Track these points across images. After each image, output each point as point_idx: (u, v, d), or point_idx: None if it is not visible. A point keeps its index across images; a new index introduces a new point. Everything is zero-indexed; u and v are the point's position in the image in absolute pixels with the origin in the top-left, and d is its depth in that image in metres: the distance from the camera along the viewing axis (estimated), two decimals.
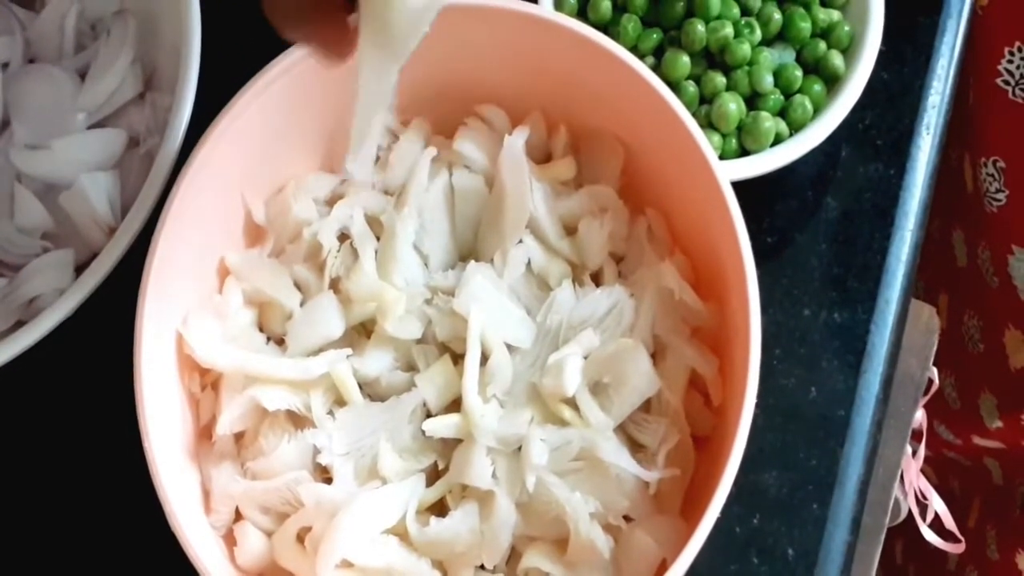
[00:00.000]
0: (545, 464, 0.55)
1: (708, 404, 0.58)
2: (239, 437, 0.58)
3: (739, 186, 0.56)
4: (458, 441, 0.57)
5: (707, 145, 0.55)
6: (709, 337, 0.59)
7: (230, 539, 0.57)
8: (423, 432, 0.56)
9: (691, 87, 0.63)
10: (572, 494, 0.55)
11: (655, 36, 0.64)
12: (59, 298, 0.59)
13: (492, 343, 0.57)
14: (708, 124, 0.63)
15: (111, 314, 0.57)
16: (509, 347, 0.58)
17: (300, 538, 0.56)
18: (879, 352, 0.65)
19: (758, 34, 0.64)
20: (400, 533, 0.55)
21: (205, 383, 0.59)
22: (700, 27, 0.63)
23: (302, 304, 0.59)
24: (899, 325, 0.66)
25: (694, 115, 0.63)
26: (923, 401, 0.84)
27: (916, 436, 0.90)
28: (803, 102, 0.63)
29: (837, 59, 0.64)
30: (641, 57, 0.64)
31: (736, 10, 0.64)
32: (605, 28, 0.65)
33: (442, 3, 0.46)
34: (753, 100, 0.64)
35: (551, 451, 0.55)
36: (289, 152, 0.61)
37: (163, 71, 0.67)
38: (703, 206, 0.56)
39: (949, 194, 0.90)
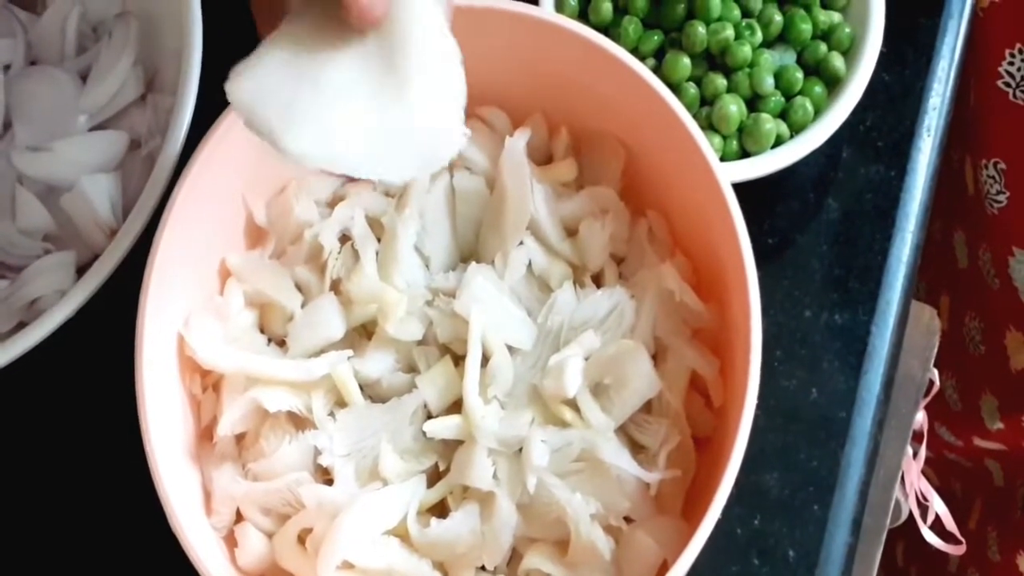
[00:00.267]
0: (546, 465, 0.55)
1: (709, 405, 0.58)
2: (240, 438, 0.59)
3: (740, 187, 0.57)
4: (459, 442, 0.57)
5: (708, 147, 0.55)
6: (710, 338, 0.59)
7: (231, 540, 0.57)
8: (424, 433, 0.57)
9: (692, 89, 0.63)
10: (573, 495, 0.55)
11: (656, 38, 0.64)
12: (60, 300, 0.59)
13: (493, 344, 0.57)
14: (709, 126, 0.63)
15: (112, 315, 0.57)
16: (510, 348, 0.58)
17: (301, 539, 0.56)
18: (880, 353, 0.65)
19: (759, 36, 0.64)
20: (401, 534, 0.56)
21: (206, 384, 0.59)
22: (701, 29, 0.63)
23: (303, 306, 0.59)
24: (900, 326, 0.66)
25: (695, 117, 0.63)
26: (924, 402, 0.84)
27: (917, 437, 0.90)
28: (804, 104, 0.63)
29: (838, 61, 0.64)
30: (642, 59, 0.64)
31: (737, 12, 0.64)
32: (606, 30, 0.65)
33: None
34: (754, 102, 0.64)
35: (552, 452, 0.55)
36: None
37: (165, 73, 0.67)
38: (704, 208, 0.56)
39: (950, 196, 0.90)
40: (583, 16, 0.66)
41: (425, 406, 0.58)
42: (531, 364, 0.58)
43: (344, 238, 0.60)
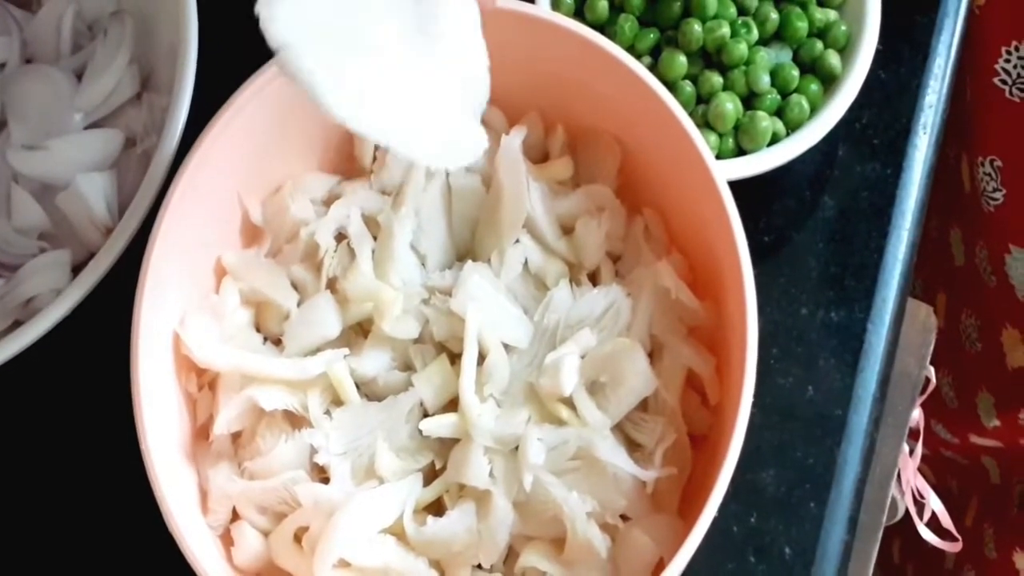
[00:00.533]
0: (542, 463, 0.55)
1: (705, 403, 0.58)
2: (236, 437, 0.59)
3: (736, 185, 0.57)
4: (455, 441, 0.57)
5: (704, 145, 0.55)
6: (706, 336, 0.59)
7: (227, 539, 0.57)
8: (420, 432, 0.57)
9: (688, 87, 0.63)
10: (569, 493, 0.55)
11: (652, 36, 0.64)
12: (56, 298, 0.59)
13: (489, 343, 0.57)
14: (705, 124, 0.63)
15: (108, 314, 0.57)
16: (506, 347, 0.58)
17: (298, 538, 0.56)
18: (876, 351, 0.65)
19: (755, 34, 0.64)
20: (397, 533, 0.56)
21: (202, 383, 0.59)
22: (697, 27, 0.63)
23: (299, 304, 0.59)
24: (896, 324, 0.66)
25: (691, 115, 0.63)
26: (920, 400, 0.84)
27: (913, 435, 0.90)
28: (800, 102, 0.63)
29: (834, 59, 0.64)
30: (638, 57, 0.64)
31: (733, 10, 0.64)
32: (602, 28, 0.65)
33: None
34: (750, 100, 0.64)
35: (548, 450, 0.56)
36: (286, 152, 0.61)
37: (160, 71, 0.67)
38: (700, 205, 0.56)
39: (947, 193, 0.90)
40: (579, 14, 0.66)
41: (421, 404, 0.58)
42: (527, 362, 0.58)
43: (340, 236, 0.60)
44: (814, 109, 0.63)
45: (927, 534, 0.91)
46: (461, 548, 0.55)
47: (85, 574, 0.65)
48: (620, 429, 0.58)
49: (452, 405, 0.57)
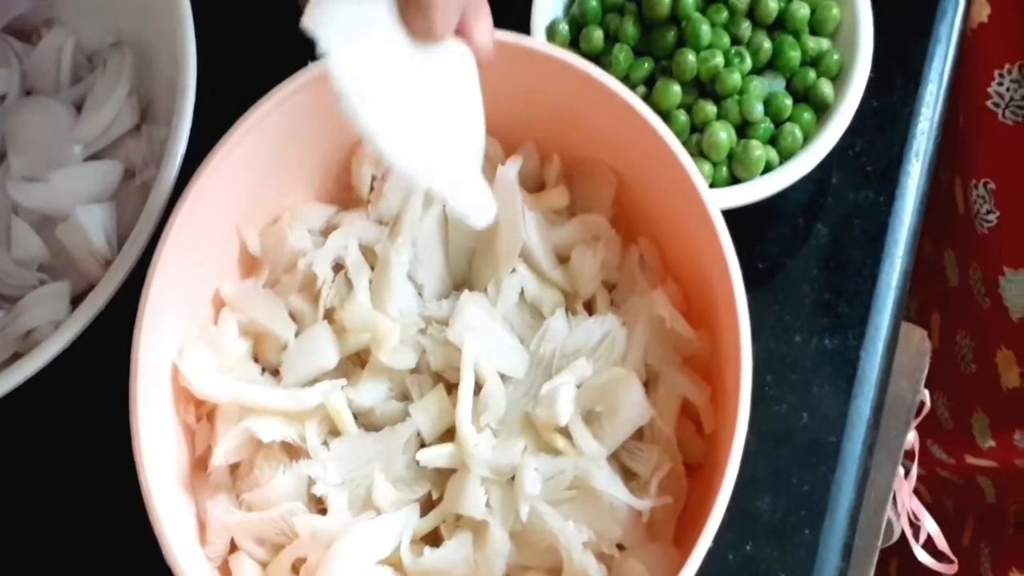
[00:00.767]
0: (538, 493, 0.55)
1: (700, 431, 0.59)
2: (234, 468, 0.59)
3: (730, 213, 0.57)
4: (452, 471, 0.57)
5: (697, 174, 0.56)
6: (701, 365, 0.59)
7: (226, 570, 0.57)
8: (417, 462, 0.57)
9: (682, 116, 0.64)
10: (565, 523, 0.55)
11: (646, 65, 0.65)
12: (56, 330, 0.59)
13: (485, 372, 0.57)
14: (699, 153, 0.63)
15: (107, 346, 0.57)
16: (502, 376, 0.58)
17: (296, 569, 0.56)
18: (870, 378, 0.65)
19: (748, 63, 0.64)
20: (395, 563, 0.56)
21: (200, 414, 0.59)
22: (691, 57, 0.63)
23: (297, 335, 0.60)
24: (889, 350, 0.66)
25: (685, 144, 0.63)
26: (915, 423, 0.85)
27: (908, 455, 0.91)
28: (793, 130, 0.63)
29: (827, 87, 0.64)
30: (632, 86, 0.64)
31: (726, 39, 0.64)
32: (597, 58, 0.66)
33: None
34: (743, 128, 0.64)
35: (544, 480, 0.56)
36: (284, 183, 0.61)
37: (159, 103, 0.67)
38: (694, 235, 0.57)
39: (941, 215, 0.91)
40: (574, 44, 0.67)
41: (418, 434, 0.58)
42: (523, 392, 0.58)
43: (338, 267, 0.61)
44: (807, 137, 0.64)
45: (923, 556, 0.91)
46: None
47: None
48: (616, 458, 0.58)
49: (449, 435, 0.58)
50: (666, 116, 0.64)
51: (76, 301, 0.62)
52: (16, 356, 0.61)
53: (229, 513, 0.57)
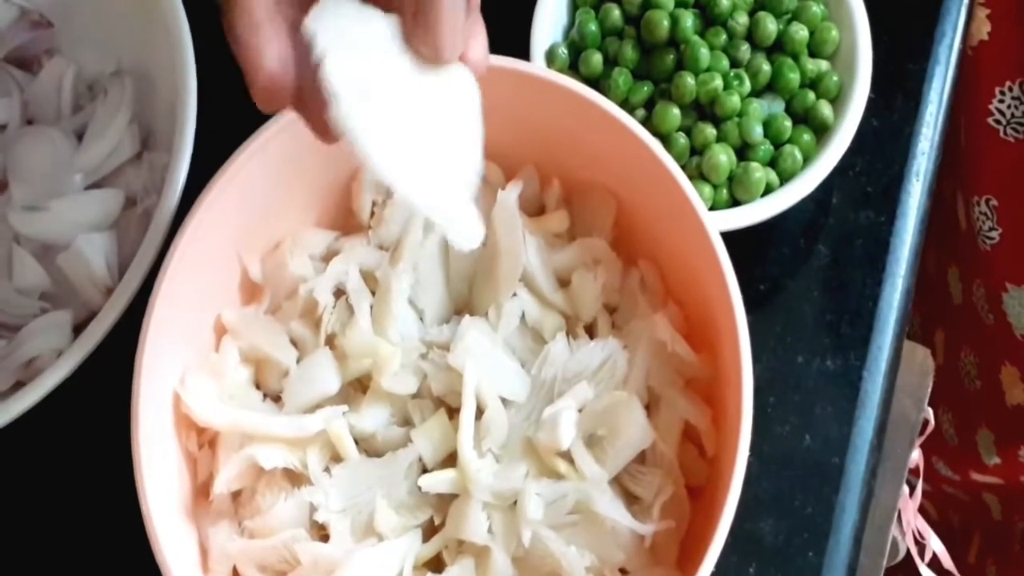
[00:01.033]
0: (541, 518, 0.55)
1: (702, 454, 0.59)
2: (236, 495, 0.59)
3: (731, 234, 0.57)
4: (454, 496, 0.57)
5: (696, 197, 0.56)
6: (703, 387, 0.59)
7: None
8: (419, 487, 0.57)
9: (682, 139, 0.64)
10: (568, 548, 0.55)
11: (646, 89, 0.65)
12: (58, 359, 0.59)
13: (487, 397, 0.57)
14: (699, 175, 0.64)
15: (109, 374, 0.57)
16: (504, 401, 0.58)
17: None
18: (872, 399, 0.65)
19: (747, 85, 0.64)
20: None
21: (202, 441, 0.59)
22: (690, 79, 0.63)
23: (298, 361, 0.60)
24: (892, 371, 0.66)
25: (685, 166, 0.63)
26: (919, 441, 0.85)
27: (914, 473, 0.90)
28: (793, 152, 0.63)
29: (826, 109, 0.64)
30: (632, 110, 0.65)
31: (725, 62, 0.65)
32: (596, 81, 0.66)
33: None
34: (743, 151, 0.64)
35: (547, 505, 0.56)
36: (285, 209, 0.62)
37: (160, 131, 0.68)
38: (694, 257, 0.57)
39: (943, 232, 0.91)
40: (574, 68, 0.67)
41: (420, 460, 0.58)
42: (525, 416, 0.58)
43: (339, 292, 0.61)
44: (807, 159, 0.64)
45: (929, 575, 0.91)
46: None
47: None
48: (618, 482, 0.58)
49: (451, 460, 0.58)
50: (666, 139, 0.64)
51: (78, 329, 0.62)
52: (18, 385, 0.61)
53: (231, 540, 0.57)
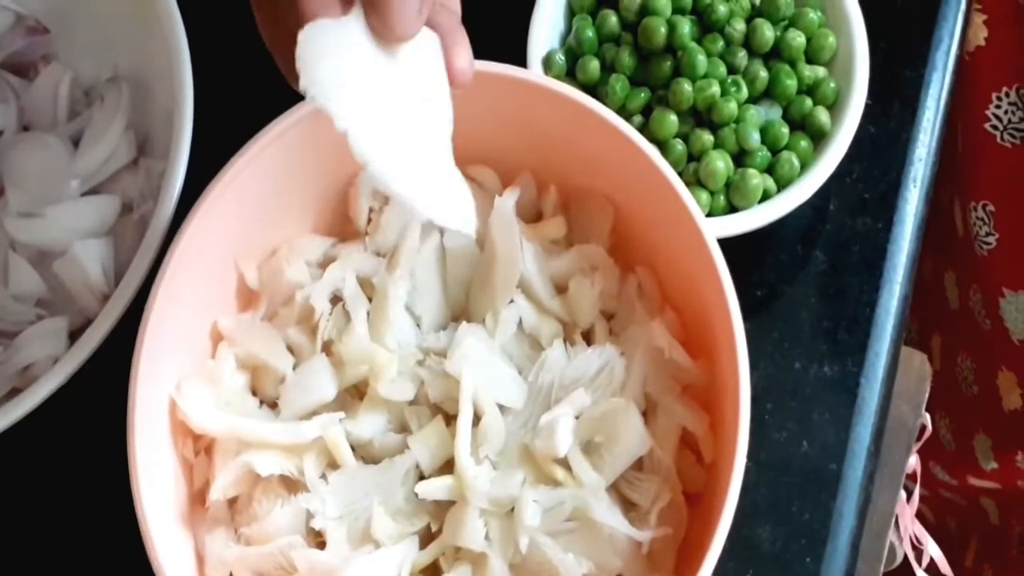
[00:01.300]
0: (538, 525, 0.55)
1: (700, 461, 0.59)
2: (233, 502, 0.59)
3: (728, 240, 0.57)
4: (451, 503, 0.57)
5: (693, 204, 0.56)
6: (700, 394, 0.59)
7: None
8: (416, 494, 0.57)
9: (679, 145, 0.64)
10: (565, 555, 0.55)
11: (643, 95, 0.65)
12: (54, 366, 0.59)
13: (484, 404, 0.57)
14: (696, 182, 0.64)
15: (105, 380, 0.57)
16: (501, 407, 0.58)
17: None
18: (870, 405, 0.65)
19: (744, 92, 0.64)
20: None
21: (199, 448, 0.59)
22: (687, 86, 0.63)
23: (295, 367, 0.60)
24: (890, 377, 0.66)
25: (682, 173, 0.63)
26: (916, 447, 0.85)
27: (911, 478, 0.90)
28: (790, 159, 0.63)
29: (823, 115, 0.64)
30: (629, 116, 0.65)
31: (722, 69, 0.65)
32: (594, 88, 0.66)
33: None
34: (741, 157, 0.64)
35: (544, 512, 0.56)
36: (282, 216, 0.62)
37: (156, 137, 0.67)
38: (691, 264, 0.57)
39: (940, 237, 0.91)
40: (571, 75, 0.67)
41: (417, 466, 0.58)
42: (522, 423, 0.58)
43: (335, 299, 0.61)
44: (804, 165, 0.64)
45: None
46: None
47: None
48: (615, 489, 0.58)
49: (448, 467, 0.58)
50: (663, 146, 0.64)
51: (74, 336, 0.62)
52: (14, 391, 0.61)
53: (228, 547, 0.56)
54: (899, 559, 0.89)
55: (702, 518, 0.57)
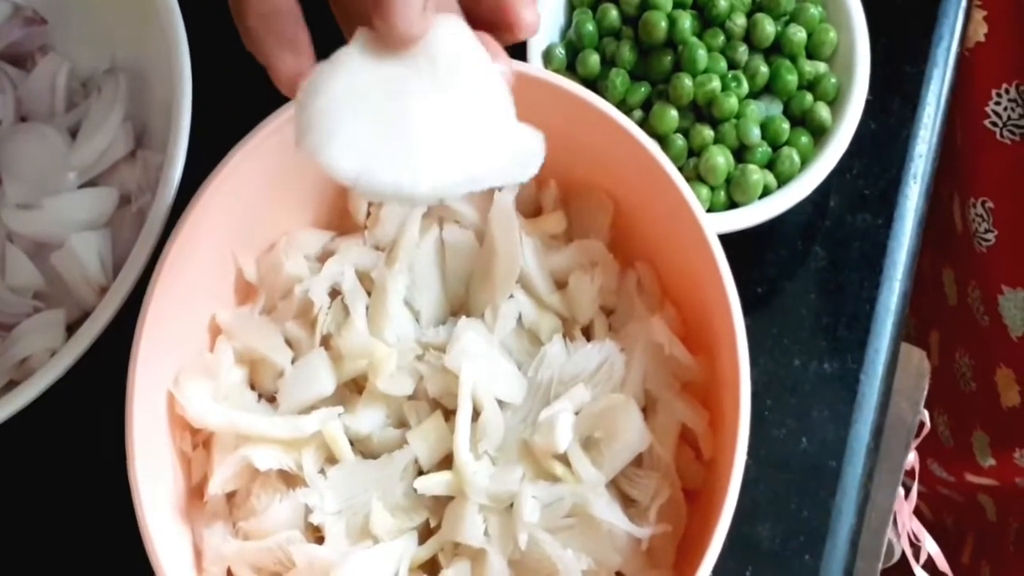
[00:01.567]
0: (537, 521, 0.55)
1: (699, 457, 0.58)
2: (231, 496, 0.58)
3: (728, 237, 0.57)
4: (450, 498, 0.57)
5: (694, 199, 0.55)
6: (700, 390, 0.59)
7: None
8: (415, 490, 0.56)
9: (679, 140, 0.64)
10: (564, 551, 0.55)
11: (643, 90, 0.65)
12: (51, 358, 0.59)
13: (483, 399, 0.57)
14: (696, 177, 0.63)
15: (103, 373, 0.57)
16: (500, 403, 0.58)
17: None
18: (869, 402, 0.65)
19: (745, 87, 0.64)
20: None
21: (197, 442, 0.59)
22: (687, 81, 0.63)
23: (293, 361, 0.59)
24: (889, 374, 0.66)
25: (682, 168, 0.63)
26: (915, 444, 0.85)
27: (909, 475, 0.90)
28: (790, 154, 0.63)
29: (824, 111, 0.64)
30: (629, 111, 0.64)
31: (723, 64, 0.64)
32: (594, 82, 0.66)
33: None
34: (741, 153, 0.64)
35: (543, 508, 0.55)
36: (280, 209, 0.61)
37: (154, 129, 0.67)
38: (691, 259, 0.57)
39: (939, 234, 0.91)
40: (571, 69, 0.66)
41: (416, 461, 0.58)
42: (521, 418, 0.58)
43: (334, 293, 0.60)
44: (805, 161, 0.64)
45: None
46: None
47: None
48: (615, 485, 0.58)
49: (447, 462, 0.57)
50: (663, 140, 0.64)
51: (71, 329, 0.62)
52: (11, 384, 0.61)
53: (226, 542, 0.56)
54: (897, 556, 0.89)
55: (701, 515, 0.56)
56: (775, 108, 0.65)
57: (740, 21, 0.65)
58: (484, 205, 0.61)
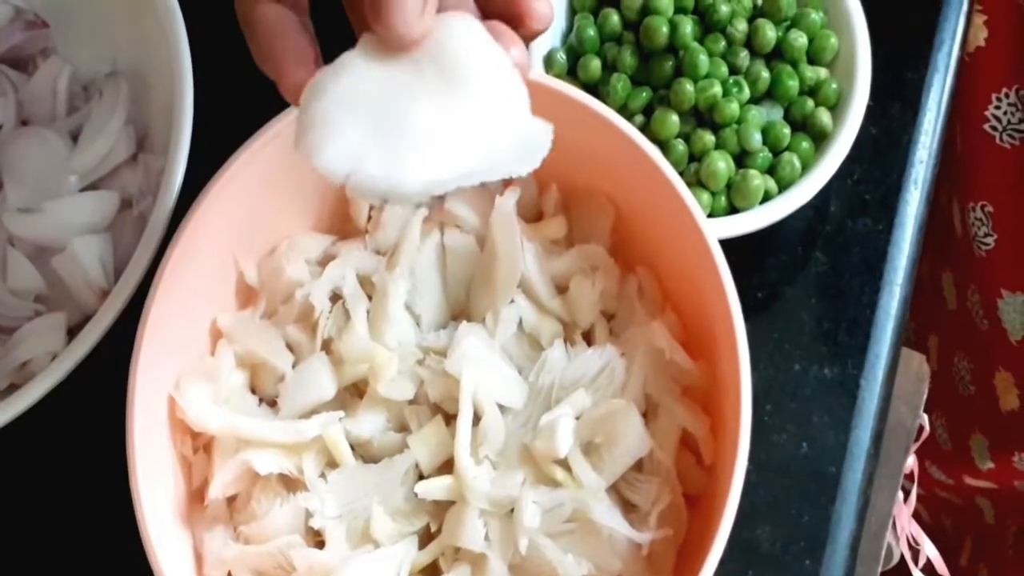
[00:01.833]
0: (537, 526, 0.55)
1: (700, 462, 0.58)
2: (232, 500, 0.59)
3: (729, 242, 0.57)
4: (451, 503, 0.57)
5: (695, 204, 0.55)
6: (700, 395, 0.59)
7: None
8: (415, 494, 0.56)
9: (680, 145, 0.64)
10: (565, 556, 0.55)
11: (644, 95, 0.65)
12: (52, 362, 0.59)
13: (484, 404, 0.57)
14: (697, 182, 0.63)
15: (104, 377, 0.57)
16: (501, 407, 0.58)
17: None
18: (869, 407, 0.65)
19: (746, 92, 0.64)
20: None
21: (197, 446, 0.59)
22: (689, 86, 0.63)
23: (294, 366, 0.59)
24: (889, 379, 0.66)
25: (683, 173, 0.63)
26: (914, 448, 0.85)
27: (908, 478, 0.91)
28: (791, 160, 0.63)
29: (825, 116, 0.64)
30: (630, 116, 0.64)
31: (724, 69, 0.64)
32: (595, 87, 0.66)
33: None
34: (742, 158, 0.64)
35: (543, 513, 0.55)
36: (282, 213, 0.61)
37: (156, 133, 0.67)
38: (692, 264, 0.57)
39: (939, 238, 0.91)
40: (572, 74, 0.66)
41: (416, 466, 0.58)
42: (522, 423, 0.58)
43: (335, 297, 0.60)
44: (806, 166, 0.64)
45: None
46: None
47: None
48: (615, 490, 0.58)
49: (447, 467, 0.57)
50: (664, 146, 0.64)
51: (72, 332, 0.62)
52: (12, 388, 0.61)
53: (226, 546, 0.56)
54: (895, 559, 0.89)
55: (702, 520, 0.57)
56: (776, 113, 0.65)
57: (741, 26, 0.65)
58: (485, 209, 0.61)
